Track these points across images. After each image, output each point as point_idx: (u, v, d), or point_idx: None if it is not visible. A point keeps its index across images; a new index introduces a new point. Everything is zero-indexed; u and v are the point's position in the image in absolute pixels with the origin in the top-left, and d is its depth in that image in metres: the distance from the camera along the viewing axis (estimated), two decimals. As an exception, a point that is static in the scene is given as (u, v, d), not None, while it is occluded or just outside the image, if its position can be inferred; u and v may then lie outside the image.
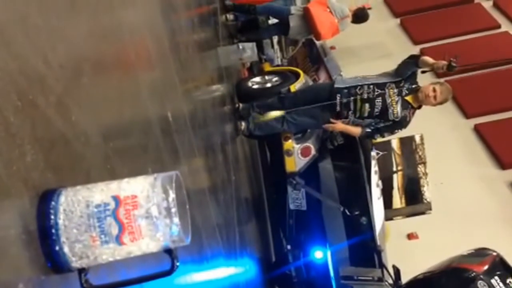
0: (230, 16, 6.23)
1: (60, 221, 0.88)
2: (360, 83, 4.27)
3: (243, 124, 4.72)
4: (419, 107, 4.26)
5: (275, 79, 5.53)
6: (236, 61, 6.74)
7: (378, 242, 4.42)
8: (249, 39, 6.87)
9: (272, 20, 6.55)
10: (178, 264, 0.97)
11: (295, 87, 5.17)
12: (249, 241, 4.62)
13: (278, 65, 7.29)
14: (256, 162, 6.00)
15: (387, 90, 4.16)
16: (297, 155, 4.75)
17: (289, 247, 4.80)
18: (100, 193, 0.91)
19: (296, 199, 4.79)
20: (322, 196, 4.70)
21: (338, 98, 4.26)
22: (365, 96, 4.21)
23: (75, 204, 0.90)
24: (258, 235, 5.12)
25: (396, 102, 4.16)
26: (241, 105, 4.88)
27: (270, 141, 5.12)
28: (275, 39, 7.85)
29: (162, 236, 0.93)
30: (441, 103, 4.16)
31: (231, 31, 6.25)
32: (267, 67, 6.73)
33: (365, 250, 4.47)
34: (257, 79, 5.64)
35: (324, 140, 4.84)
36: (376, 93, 4.18)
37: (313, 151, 4.74)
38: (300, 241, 4.78)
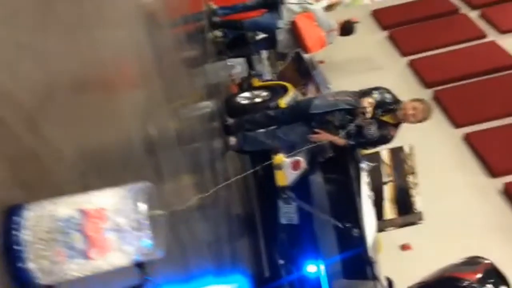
0: (219, 33, 6.27)
1: (25, 237, 0.87)
2: (332, 109, 4.32)
3: (232, 140, 4.74)
4: (400, 123, 4.28)
5: (264, 93, 5.56)
6: (226, 77, 6.77)
7: (371, 254, 4.39)
8: (238, 55, 6.91)
9: (260, 35, 6.61)
10: (149, 278, 0.95)
11: (283, 101, 5.19)
12: (241, 256, 4.58)
13: (267, 80, 7.31)
14: (247, 176, 5.98)
15: (355, 115, 4.20)
16: (287, 168, 4.74)
17: (281, 261, 4.76)
18: (65, 206, 0.90)
19: (287, 213, 4.76)
20: (314, 209, 4.67)
21: (312, 124, 4.35)
22: (337, 123, 4.29)
23: (40, 218, 0.88)
24: (251, 250, 5.08)
25: (371, 124, 4.20)
26: (230, 120, 4.89)
27: (260, 155, 5.11)
28: (264, 54, 7.88)
29: (133, 249, 0.92)
30: (420, 121, 4.16)
31: (219, 47, 6.28)
32: (256, 82, 6.75)
33: (358, 262, 4.42)
34: (246, 94, 5.65)
35: (314, 153, 4.83)
36: (347, 119, 4.24)
37: (303, 164, 4.72)
38: (292, 255, 4.73)
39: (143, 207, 0.95)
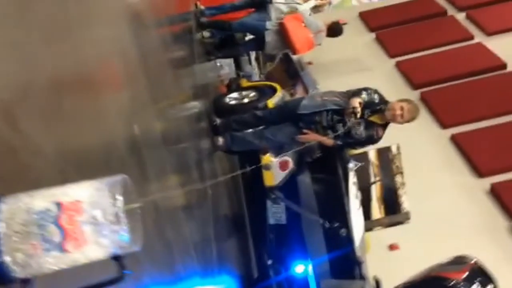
0: (207, 34, 6.27)
1: (0, 230, 0.86)
2: (319, 109, 4.34)
3: (220, 140, 4.74)
4: (387, 123, 4.31)
5: (252, 94, 5.57)
6: (214, 78, 6.76)
7: (358, 253, 4.40)
8: (227, 56, 6.91)
9: (249, 36, 6.62)
10: (127, 272, 0.95)
11: (272, 101, 5.20)
12: (230, 257, 4.57)
13: (255, 81, 7.32)
14: (236, 176, 5.97)
15: (346, 116, 4.22)
16: (275, 169, 4.74)
17: (270, 262, 4.75)
18: (41, 199, 0.89)
19: (276, 213, 4.76)
20: (302, 209, 4.68)
21: (300, 124, 4.36)
22: (325, 123, 4.30)
23: (15, 211, 0.87)
24: (239, 251, 5.07)
25: (359, 124, 4.22)
26: (218, 120, 4.89)
27: (248, 156, 5.11)
28: (253, 55, 7.89)
29: (110, 242, 0.91)
30: (408, 121, 4.21)
31: (208, 48, 6.28)
32: (244, 83, 6.76)
33: (345, 262, 4.43)
34: (235, 94, 5.66)
35: (302, 153, 4.84)
36: (335, 120, 4.26)
37: (291, 164, 4.73)
38: (281, 255, 4.73)
39: (119, 199, 0.94)
